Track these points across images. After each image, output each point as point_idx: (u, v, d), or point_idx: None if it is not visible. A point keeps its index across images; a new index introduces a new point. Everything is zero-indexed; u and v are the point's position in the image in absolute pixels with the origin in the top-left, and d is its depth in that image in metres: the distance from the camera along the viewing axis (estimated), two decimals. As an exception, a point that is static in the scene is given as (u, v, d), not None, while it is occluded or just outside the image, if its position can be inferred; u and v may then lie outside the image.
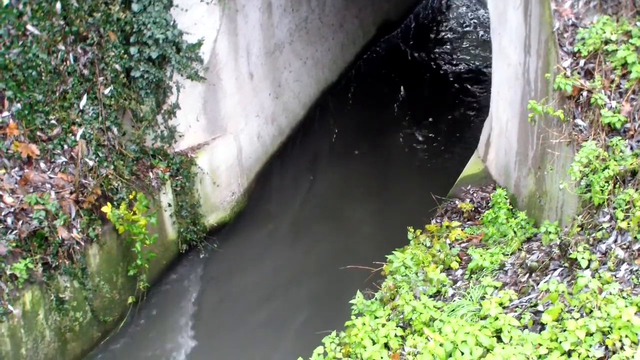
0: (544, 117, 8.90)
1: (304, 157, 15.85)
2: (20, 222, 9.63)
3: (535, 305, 7.48)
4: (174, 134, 12.23)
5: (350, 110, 17.89)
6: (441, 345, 7.06)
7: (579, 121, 8.43)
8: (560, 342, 6.56)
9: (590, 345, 6.41)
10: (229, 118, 13.31)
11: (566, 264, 7.73)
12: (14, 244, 9.43)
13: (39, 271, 9.63)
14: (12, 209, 9.63)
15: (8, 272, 9.28)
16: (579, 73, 8.61)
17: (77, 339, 10.47)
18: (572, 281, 7.40)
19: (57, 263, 9.86)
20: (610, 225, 7.68)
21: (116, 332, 11.17)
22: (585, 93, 8.44)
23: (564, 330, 6.66)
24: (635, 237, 7.34)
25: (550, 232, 8.58)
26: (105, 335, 11.02)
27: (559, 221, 8.76)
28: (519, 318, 7.39)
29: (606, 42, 8.54)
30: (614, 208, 7.69)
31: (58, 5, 10.41)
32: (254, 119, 14.28)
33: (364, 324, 8.00)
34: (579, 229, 7.92)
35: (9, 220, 9.56)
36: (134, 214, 10.71)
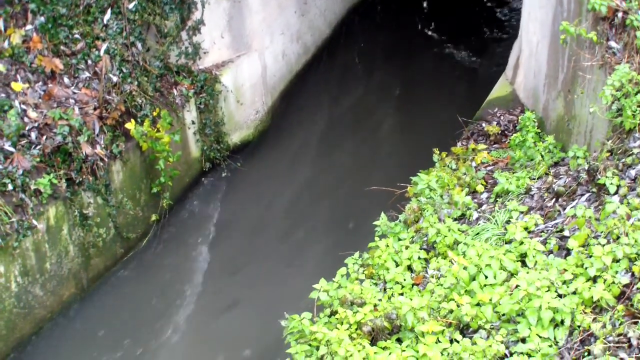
0: (576, 38, 8.68)
1: (329, 76, 15.70)
2: (44, 137, 9.61)
3: (561, 230, 7.42)
4: (198, 50, 12.10)
5: (377, 29, 17.63)
6: (465, 268, 7.03)
7: (612, 43, 8.20)
8: (586, 267, 6.52)
9: (617, 272, 6.36)
10: (254, 35, 13.14)
11: (594, 190, 7.62)
12: (37, 159, 9.43)
13: (63, 187, 9.65)
14: (36, 124, 9.60)
15: (32, 187, 9.30)
16: (614, -7, 8.36)
17: (101, 255, 10.55)
18: (600, 207, 7.31)
19: (80, 179, 9.87)
20: (641, 151, 7.55)
21: (139, 248, 11.24)
22: (620, 14, 8.18)
23: (590, 256, 6.61)
24: (667, 164, 7.23)
25: (578, 157, 8.46)
26: (128, 252, 11.09)
27: (587, 146, 8.62)
28: (544, 243, 7.33)
29: (645, -40, 8.26)
30: (645, 133, 7.55)
31: None
32: (279, 37, 14.09)
33: (387, 246, 7.98)
34: (608, 154, 7.79)
35: (33, 135, 9.55)
36: (158, 131, 10.67)
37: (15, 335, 9.40)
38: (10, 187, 9.08)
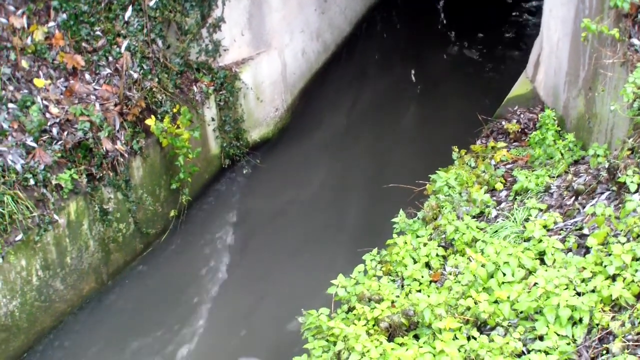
0: (598, 36, 8.64)
1: (348, 74, 15.69)
2: (66, 132, 9.69)
3: (581, 228, 7.40)
4: (218, 48, 12.14)
5: (398, 27, 17.62)
6: (483, 265, 7.03)
7: (635, 40, 8.14)
8: (605, 266, 6.49)
9: (636, 270, 6.33)
10: (274, 33, 13.16)
11: (614, 188, 7.59)
12: (59, 155, 9.50)
13: (84, 182, 9.72)
14: (57, 120, 9.68)
15: (53, 182, 9.37)
16: (637, -10, 8.30)
17: (120, 250, 10.62)
18: (620, 205, 7.28)
19: (101, 174, 9.93)
20: (662, 149, 7.51)
21: (158, 244, 11.29)
22: (643, 11, 8.15)
23: (609, 255, 6.59)
24: (687, 162, 7.19)
25: (598, 155, 8.42)
26: (147, 247, 11.15)
27: (608, 144, 8.58)
28: (563, 241, 7.32)
29: (669, -45, 8.19)
30: (667, 131, 7.51)
31: None
32: (298, 35, 14.11)
33: (406, 243, 7.98)
34: (629, 152, 7.74)
35: (55, 130, 9.62)
36: (178, 127, 10.72)
37: (36, 328, 9.49)
38: (32, 181, 9.16)
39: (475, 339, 6.39)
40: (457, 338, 6.45)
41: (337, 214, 11.99)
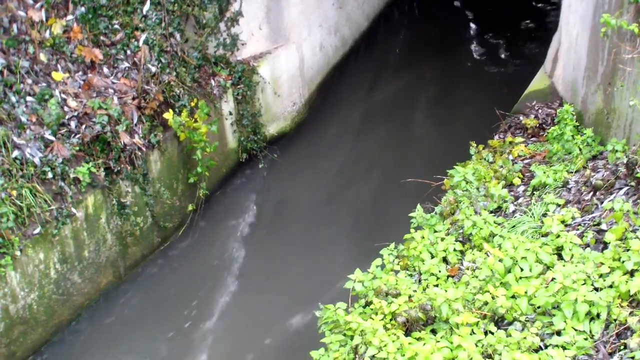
0: (617, 31, 8.58)
1: (366, 69, 15.68)
2: (84, 126, 9.73)
3: (599, 224, 7.36)
4: (236, 41, 12.15)
5: (415, 23, 17.60)
6: (500, 260, 7.00)
7: (654, 36, 8.11)
8: (623, 261, 6.46)
9: (655, 266, 6.31)
10: (292, 27, 13.16)
11: (632, 183, 7.55)
12: (77, 148, 9.54)
13: (101, 175, 9.75)
14: (75, 113, 9.72)
15: (71, 176, 9.42)
16: (657, -16, 8.24)
17: (138, 244, 10.66)
18: (638, 200, 7.24)
19: (119, 168, 9.96)
20: (681, 145, 7.46)
21: (175, 238, 11.33)
22: (663, 6, 8.09)
23: (628, 250, 6.55)
24: None
25: (617, 151, 8.37)
26: (164, 241, 11.19)
27: (626, 139, 8.53)
28: (581, 236, 7.28)
29: (690, -51, 8.13)
30: (686, 127, 7.46)
31: None
32: (317, 29, 14.10)
33: (423, 238, 7.97)
34: (648, 147, 7.71)
35: (73, 124, 9.66)
36: (195, 121, 10.74)
37: (54, 321, 9.54)
38: (50, 175, 9.21)
39: (492, 333, 6.36)
40: (474, 333, 6.43)
41: (354, 209, 11.99)
